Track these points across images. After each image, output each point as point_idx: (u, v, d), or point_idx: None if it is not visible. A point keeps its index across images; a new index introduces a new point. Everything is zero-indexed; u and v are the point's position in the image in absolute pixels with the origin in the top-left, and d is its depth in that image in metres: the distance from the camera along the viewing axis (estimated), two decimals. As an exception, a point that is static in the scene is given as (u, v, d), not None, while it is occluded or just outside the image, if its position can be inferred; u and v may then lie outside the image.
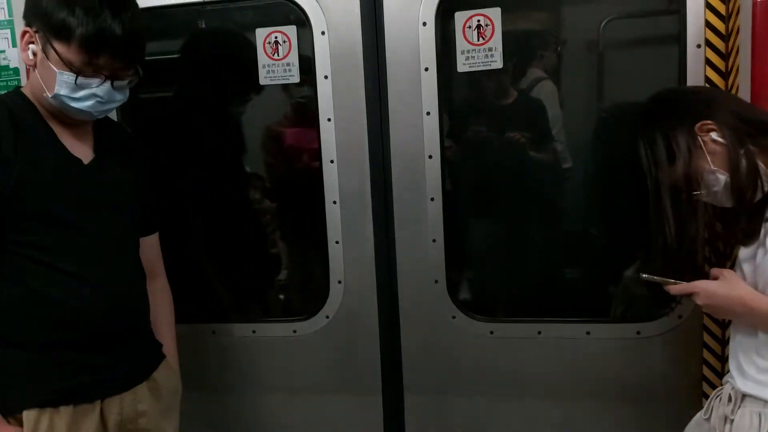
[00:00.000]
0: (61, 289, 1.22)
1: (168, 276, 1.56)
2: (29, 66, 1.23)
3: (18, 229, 1.20)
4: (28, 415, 1.22)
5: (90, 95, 1.20)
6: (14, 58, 1.71)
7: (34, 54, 1.20)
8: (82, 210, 1.25)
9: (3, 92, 1.65)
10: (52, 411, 1.23)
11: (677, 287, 1.28)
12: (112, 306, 1.27)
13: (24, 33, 1.21)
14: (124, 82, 1.24)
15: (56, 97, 1.19)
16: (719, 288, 1.23)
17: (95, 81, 1.19)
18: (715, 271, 1.27)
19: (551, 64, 1.72)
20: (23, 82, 1.67)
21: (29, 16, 1.22)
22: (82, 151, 1.29)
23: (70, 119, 1.26)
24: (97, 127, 1.35)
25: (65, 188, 1.24)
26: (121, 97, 1.26)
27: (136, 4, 1.26)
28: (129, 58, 1.22)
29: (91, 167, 1.29)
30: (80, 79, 1.18)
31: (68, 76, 1.17)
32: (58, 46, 1.16)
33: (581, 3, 1.75)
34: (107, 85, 1.21)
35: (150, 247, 1.48)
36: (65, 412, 1.24)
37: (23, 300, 1.22)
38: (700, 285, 1.25)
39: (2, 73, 1.73)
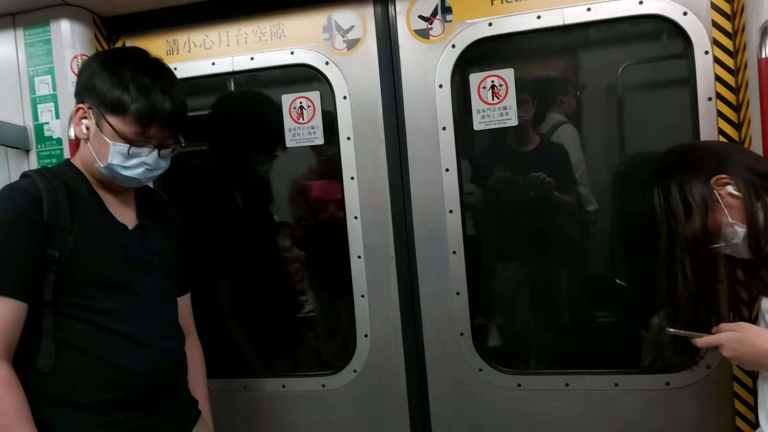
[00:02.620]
0: (112, 349, 1.29)
1: (198, 333, 1.60)
2: (82, 139, 1.34)
3: (72, 293, 1.27)
4: None
5: (140, 163, 1.31)
6: (57, 129, 1.82)
7: (87, 128, 1.32)
8: (130, 273, 1.33)
9: (48, 161, 1.80)
10: None
11: (703, 340, 1.27)
12: (159, 365, 1.34)
13: (78, 109, 1.33)
14: (169, 151, 1.36)
15: (109, 166, 1.30)
16: (743, 338, 1.22)
17: (145, 150, 1.31)
18: (727, 326, 1.26)
19: (568, 109, 1.80)
20: (65, 152, 1.77)
21: (82, 94, 1.33)
22: (127, 217, 1.39)
23: (117, 187, 1.37)
24: (138, 195, 1.45)
25: (114, 253, 1.32)
26: (165, 165, 1.37)
27: (178, 80, 1.38)
28: (176, 128, 1.35)
29: (135, 232, 1.38)
30: (132, 149, 1.29)
31: (122, 147, 1.29)
32: (112, 120, 1.28)
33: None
34: (155, 153, 1.32)
35: (183, 306, 1.55)
36: None
37: (76, 361, 1.27)
38: (725, 337, 1.24)
39: (46, 143, 1.84)
